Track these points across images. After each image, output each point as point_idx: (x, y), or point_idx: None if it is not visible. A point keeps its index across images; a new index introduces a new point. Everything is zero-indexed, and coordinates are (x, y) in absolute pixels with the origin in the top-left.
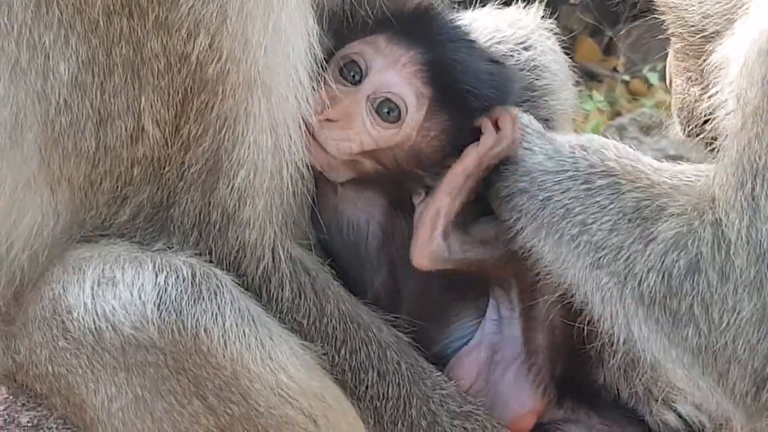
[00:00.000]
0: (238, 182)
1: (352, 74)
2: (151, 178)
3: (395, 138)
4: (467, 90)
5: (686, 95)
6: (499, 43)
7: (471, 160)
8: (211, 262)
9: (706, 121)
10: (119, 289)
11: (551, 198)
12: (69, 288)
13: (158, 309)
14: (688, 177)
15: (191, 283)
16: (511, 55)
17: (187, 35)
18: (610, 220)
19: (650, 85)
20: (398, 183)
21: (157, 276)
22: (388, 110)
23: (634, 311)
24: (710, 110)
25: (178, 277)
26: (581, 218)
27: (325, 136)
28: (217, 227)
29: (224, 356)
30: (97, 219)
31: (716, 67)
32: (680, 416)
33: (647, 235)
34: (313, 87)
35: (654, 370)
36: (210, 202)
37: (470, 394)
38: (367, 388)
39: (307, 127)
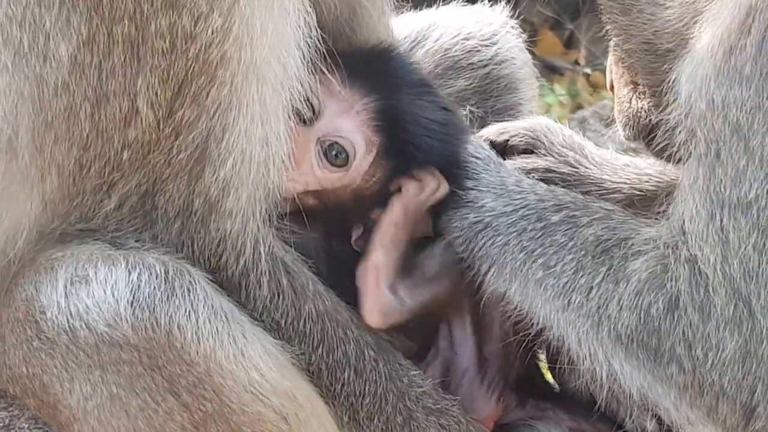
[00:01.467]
0: (225, 171)
1: (303, 111)
2: (140, 163)
3: (340, 181)
4: (416, 142)
5: (630, 106)
6: (465, 39)
7: (396, 210)
8: (192, 254)
9: (651, 133)
10: (92, 287)
11: (509, 243)
12: (42, 288)
13: (131, 306)
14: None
15: (164, 279)
16: (478, 51)
17: (199, 15)
18: (573, 259)
19: None
20: (338, 219)
21: (130, 273)
22: (336, 153)
23: (613, 349)
24: (663, 126)
25: (151, 274)
26: (543, 260)
27: None
28: (200, 216)
29: (197, 353)
30: (83, 207)
31: (672, 86)
32: (660, 422)
33: (616, 273)
34: (306, 80)
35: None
36: (194, 190)
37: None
38: (343, 385)
39: None
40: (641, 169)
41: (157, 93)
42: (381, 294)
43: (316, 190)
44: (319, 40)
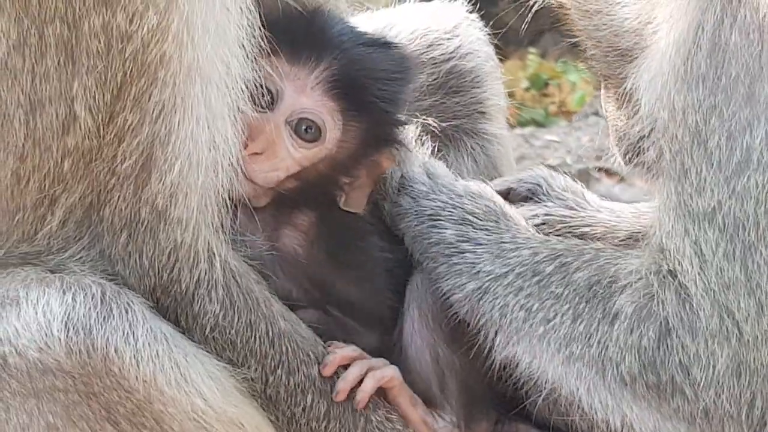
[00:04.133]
0: (172, 177)
1: (262, 97)
2: (83, 174)
3: (318, 155)
4: (375, 96)
5: (618, 120)
6: (424, 34)
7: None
8: (141, 267)
9: (640, 142)
10: (23, 308)
11: (508, 304)
12: None
13: (66, 327)
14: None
15: (101, 300)
16: (440, 44)
17: (134, 12)
18: (570, 308)
19: None
20: (318, 192)
21: (64, 294)
22: (306, 128)
23: (620, 394)
24: (641, 135)
25: (86, 294)
26: (542, 315)
27: (252, 170)
28: (148, 226)
29: (137, 378)
30: (25, 225)
31: (635, 91)
32: None
33: (609, 313)
34: (251, 80)
35: None
36: (141, 198)
37: None
38: (304, 409)
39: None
40: (639, 209)
41: (95, 97)
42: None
43: (297, 172)
44: (262, 38)
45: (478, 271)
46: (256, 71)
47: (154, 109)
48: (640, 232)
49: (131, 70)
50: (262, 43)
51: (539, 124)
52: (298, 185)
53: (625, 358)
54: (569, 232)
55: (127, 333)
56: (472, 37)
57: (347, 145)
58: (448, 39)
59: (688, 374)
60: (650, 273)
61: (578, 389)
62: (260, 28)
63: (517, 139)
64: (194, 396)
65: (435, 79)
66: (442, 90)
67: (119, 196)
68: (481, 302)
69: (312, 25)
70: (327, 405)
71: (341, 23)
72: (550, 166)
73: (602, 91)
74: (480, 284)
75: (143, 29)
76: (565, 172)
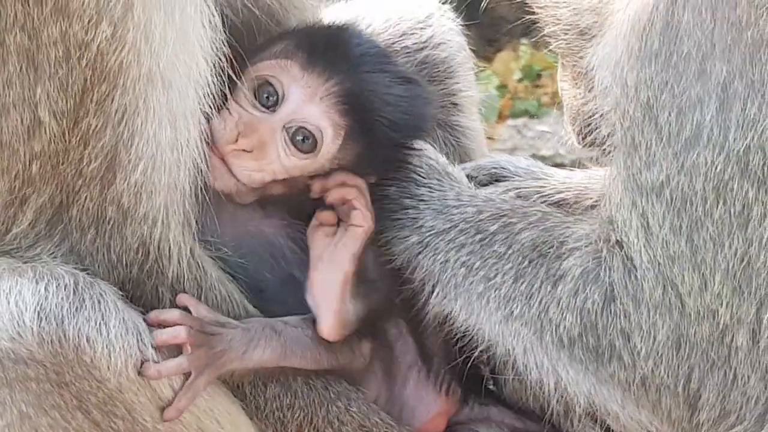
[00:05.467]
0: (136, 177)
1: (266, 96)
2: (50, 176)
3: (309, 167)
4: (382, 122)
5: (573, 99)
6: (397, 23)
7: (365, 228)
8: (110, 261)
9: (592, 120)
10: None
11: (449, 260)
12: None
13: (38, 317)
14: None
15: (73, 291)
16: (413, 33)
17: (89, 22)
18: (512, 268)
19: None
20: (301, 202)
21: (37, 283)
22: (303, 138)
23: (557, 356)
24: (594, 113)
25: (59, 284)
26: (484, 273)
27: (237, 166)
28: (114, 224)
29: (108, 368)
30: None
31: (591, 68)
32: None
33: (553, 274)
34: (214, 83)
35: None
36: (107, 198)
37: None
38: (267, 401)
39: (213, 151)
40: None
41: (58, 102)
42: (343, 309)
43: (284, 178)
44: (224, 42)
45: (421, 226)
46: (219, 74)
47: (116, 113)
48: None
49: (92, 77)
50: (224, 47)
51: (532, 115)
52: (283, 191)
53: (567, 319)
54: (544, 202)
55: (99, 323)
56: (445, 27)
57: (340, 162)
58: (421, 29)
59: (629, 341)
60: (600, 240)
61: (514, 348)
62: (223, 31)
63: (510, 130)
64: (165, 387)
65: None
66: None
67: (86, 196)
68: (420, 256)
69: (336, 37)
70: (291, 395)
71: (368, 43)
72: (542, 157)
73: (558, 70)
74: (421, 238)
75: (99, 38)
76: (559, 163)
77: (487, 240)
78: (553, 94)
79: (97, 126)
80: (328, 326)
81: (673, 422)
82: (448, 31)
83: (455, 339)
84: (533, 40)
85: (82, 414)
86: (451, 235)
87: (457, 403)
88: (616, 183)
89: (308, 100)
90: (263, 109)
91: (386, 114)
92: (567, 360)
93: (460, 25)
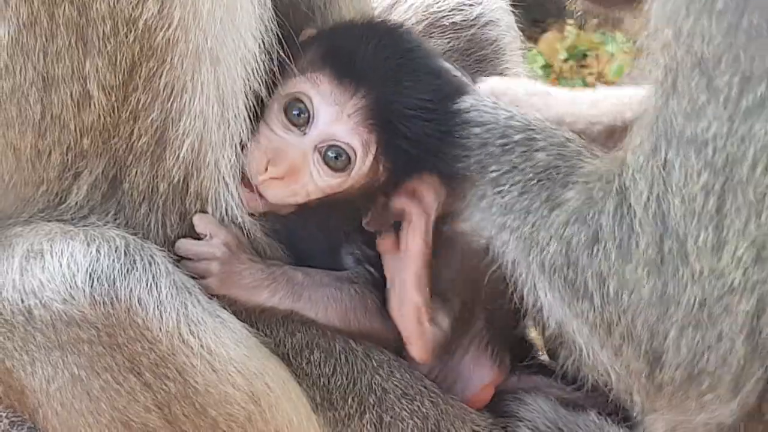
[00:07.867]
0: (183, 153)
1: (297, 113)
2: (102, 150)
3: (342, 185)
4: (409, 136)
5: None
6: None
7: (417, 249)
8: (166, 238)
9: None
10: (47, 260)
11: (469, 156)
12: None
13: (90, 278)
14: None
15: (125, 253)
16: (462, 9)
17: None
18: (520, 181)
19: None
20: (343, 211)
21: (88, 245)
22: (336, 156)
23: (539, 278)
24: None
25: (110, 246)
26: (494, 176)
27: (270, 194)
28: (166, 199)
29: (160, 329)
30: (50, 195)
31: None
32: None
33: (553, 200)
34: (262, 60)
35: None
36: (157, 173)
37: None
38: (311, 366)
39: (243, 182)
40: (621, 98)
41: (107, 77)
42: (426, 331)
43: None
44: (271, 20)
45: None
46: (267, 52)
47: (164, 89)
48: (625, 123)
49: (139, 53)
50: (273, 25)
51: None
52: (320, 203)
53: (551, 246)
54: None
55: (150, 284)
56: (494, 5)
57: (375, 176)
58: (470, 5)
59: (603, 286)
60: (600, 179)
61: (505, 257)
62: (274, 11)
63: None
64: (219, 347)
65: (457, 46)
66: (462, 59)
67: (137, 171)
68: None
69: (364, 41)
70: (333, 362)
71: (396, 45)
72: None
73: None
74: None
75: (146, 15)
76: None
77: (509, 147)
78: (598, 75)
79: (145, 101)
80: (417, 353)
81: (631, 372)
82: (497, 10)
83: (510, 307)
84: (579, 20)
85: (134, 376)
86: (477, 130)
87: (506, 372)
88: (643, 124)
89: (337, 118)
90: (293, 128)
91: (412, 127)
92: (547, 285)
93: (509, 4)
